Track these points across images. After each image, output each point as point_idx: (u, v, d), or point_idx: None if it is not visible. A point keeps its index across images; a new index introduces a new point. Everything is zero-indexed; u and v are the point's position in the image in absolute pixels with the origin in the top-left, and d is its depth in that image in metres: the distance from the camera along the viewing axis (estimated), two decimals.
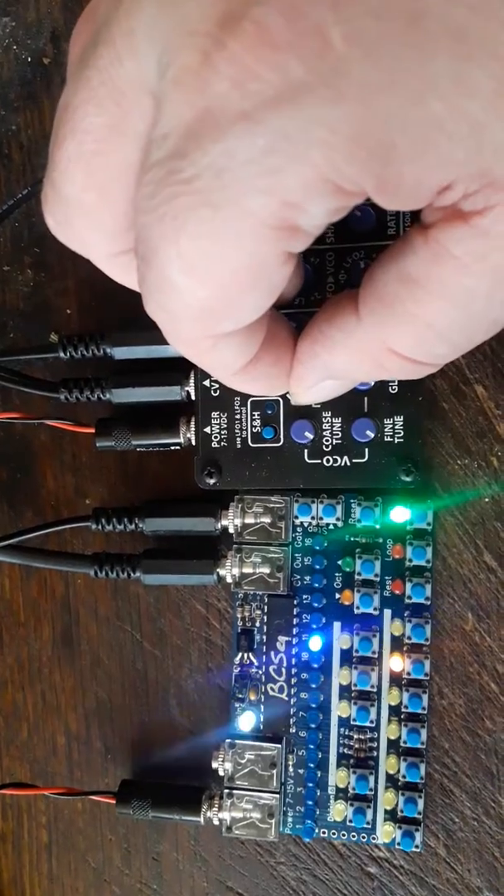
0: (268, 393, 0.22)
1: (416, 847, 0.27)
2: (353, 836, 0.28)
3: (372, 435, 0.26)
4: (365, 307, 0.18)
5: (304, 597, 0.28)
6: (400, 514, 0.27)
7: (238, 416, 0.28)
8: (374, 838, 0.27)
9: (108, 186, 0.18)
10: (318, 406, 0.27)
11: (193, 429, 0.28)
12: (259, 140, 0.14)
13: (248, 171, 0.14)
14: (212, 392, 0.28)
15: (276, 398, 0.27)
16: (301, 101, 0.14)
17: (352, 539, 0.27)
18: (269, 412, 0.27)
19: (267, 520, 0.27)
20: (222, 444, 0.28)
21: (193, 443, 0.28)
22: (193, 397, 0.28)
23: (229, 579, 0.28)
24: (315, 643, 0.28)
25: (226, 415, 0.28)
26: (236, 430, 0.28)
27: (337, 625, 0.28)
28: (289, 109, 0.14)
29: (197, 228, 0.15)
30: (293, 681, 0.28)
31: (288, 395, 0.24)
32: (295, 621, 0.28)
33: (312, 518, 0.28)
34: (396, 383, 0.26)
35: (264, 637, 0.28)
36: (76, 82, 0.17)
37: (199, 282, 0.16)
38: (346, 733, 0.28)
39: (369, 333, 0.19)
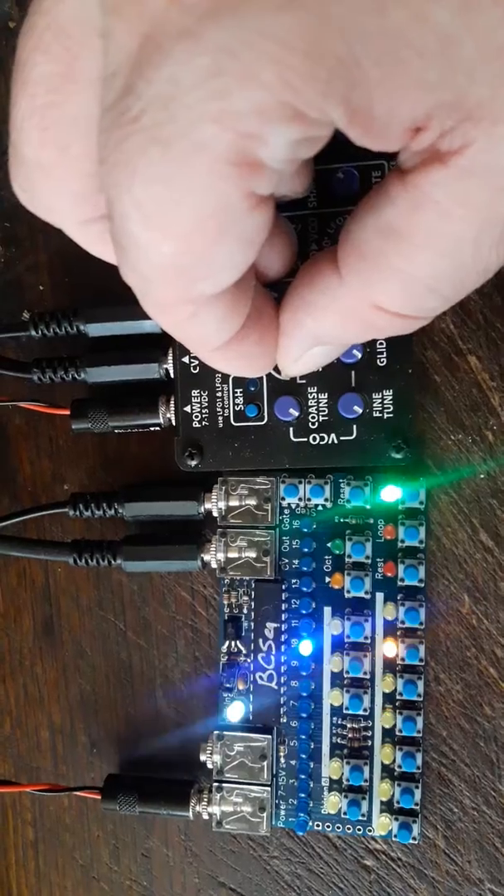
0: (248, 374, 0.20)
1: (414, 839, 0.26)
2: (349, 829, 0.26)
3: (360, 410, 0.25)
4: (346, 266, 0.17)
5: (293, 581, 0.27)
6: (391, 493, 0.26)
7: (219, 394, 0.26)
8: (370, 830, 0.26)
9: (67, 142, 0.16)
10: (304, 381, 0.26)
11: (173, 408, 0.27)
12: (202, 59, 0.12)
13: (195, 96, 0.13)
14: (191, 369, 0.26)
15: None
16: (243, 10, 0.12)
17: (341, 520, 0.26)
18: (252, 389, 0.26)
19: (252, 502, 0.26)
20: (203, 423, 0.26)
21: (173, 423, 0.27)
22: (172, 375, 0.27)
23: (214, 565, 0.27)
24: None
25: (206, 393, 0.26)
26: (218, 409, 0.26)
27: (327, 610, 0.26)
28: (230, 20, 0.12)
29: (148, 171, 0.13)
30: (283, 669, 0.27)
31: (275, 371, 0.23)
32: (283, 607, 0.27)
33: (300, 499, 0.26)
34: (385, 356, 0.25)
35: (252, 624, 0.27)
36: (24, 33, 0.16)
37: (161, 234, 0.14)
38: (339, 722, 0.26)
39: (354, 293, 0.17)
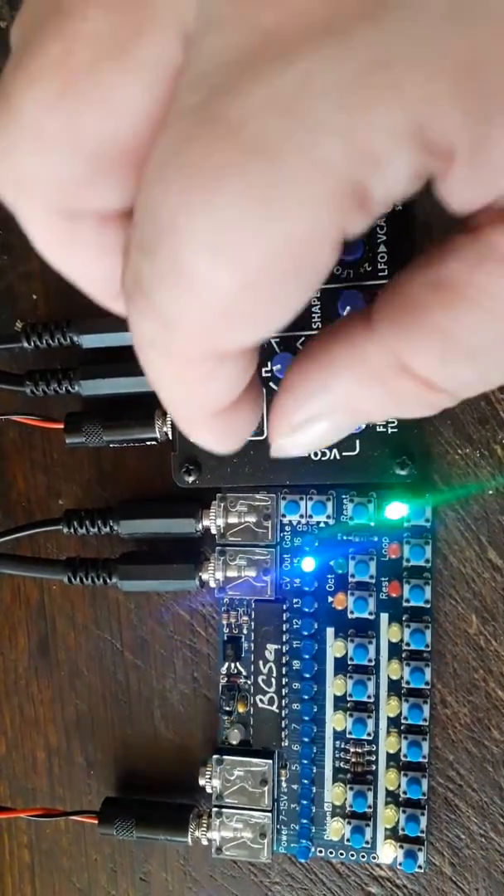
0: (226, 448, 0.16)
1: (420, 868, 0.25)
2: (352, 856, 0.26)
3: (363, 425, 0.24)
4: (380, 315, 0.15)
5: (294, 601, 0.26)
6: (396, 510, 0.25)
7: None
8: (374, 857, 0.25)
9: (85, 112, 0.13)
10: None
11: (169, 422, 0.26)
12: (348, 65, 0.10)
13: (326, 106, 0.10)
14: None
15: None
16: (402, 15, 0.10)
17: (344, 538, 0.25)
18: None
19: (252, 519, 0.25)
20: None
21: (170, 437, 0.26)
22: None
23: (213, 584, 0.26)
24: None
25: None
26: None
27: (330, 631, 0.25)
28: (394, 24, 0.10)
29: (241, 189, 0.11)
30: (284, 691, 0.26)
31: (270, 445, 0.17)
32: (284, 627, 0.26)
33: (301, 516, 0.25)
34: None
35: (252, 645, 0.26)
36: None
37: (229, 267, 0.12)
38: (342, 747, 0.26)
39: (383, 347, 0.15)
